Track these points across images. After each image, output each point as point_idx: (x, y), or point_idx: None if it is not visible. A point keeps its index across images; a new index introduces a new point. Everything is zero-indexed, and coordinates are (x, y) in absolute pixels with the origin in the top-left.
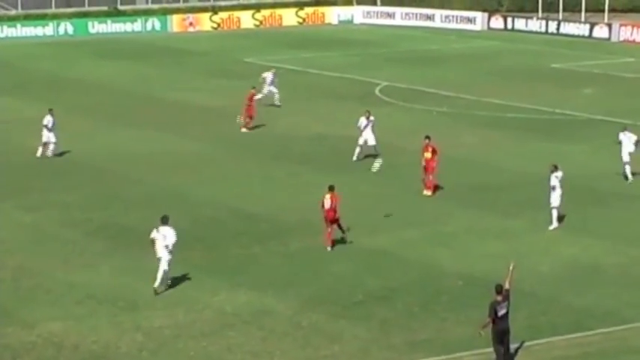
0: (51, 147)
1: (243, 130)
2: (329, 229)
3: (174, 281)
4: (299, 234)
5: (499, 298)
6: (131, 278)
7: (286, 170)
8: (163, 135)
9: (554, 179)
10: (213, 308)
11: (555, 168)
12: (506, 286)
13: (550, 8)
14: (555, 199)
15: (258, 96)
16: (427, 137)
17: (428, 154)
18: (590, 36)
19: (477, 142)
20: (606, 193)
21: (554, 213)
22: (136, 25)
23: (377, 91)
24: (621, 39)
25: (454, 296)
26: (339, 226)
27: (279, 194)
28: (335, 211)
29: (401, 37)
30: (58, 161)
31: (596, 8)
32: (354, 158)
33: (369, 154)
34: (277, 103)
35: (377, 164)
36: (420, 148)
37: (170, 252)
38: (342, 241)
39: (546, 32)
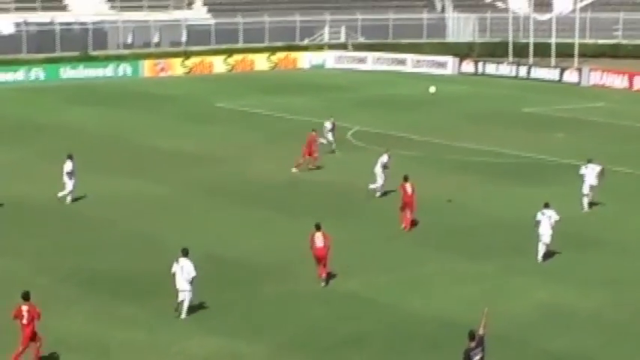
0: (69, 195)
1: (294, 169)
2: (320, 266)
3: (146, 326)
4: (272, 279)
5: (472, 344)
6: (103, 324)
7: (260, 215)
8: (135, 179)
9: (540, 215)
10: (185, 354)
11: (545, 206)
12: (481, 331)
13: (521, 53)
14: (544, 234)
15: (322, 140)
16: (405, 178)
17: (408, 191)
18: (560, 80)
19: (449, 186)
20: (579, 237)
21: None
22: (107, 71)
23: (349, 136)
24: (591, 83)
25: (428, 341)
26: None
27: (252, 239)
28: (328, 249)
29: (373, 82)
30: (29, 206)
31: (566, 53)
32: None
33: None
34: (334, 150)
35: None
36: (393, 191)
37: (190, 283)
38: (320, 283)
39: (517, 77)
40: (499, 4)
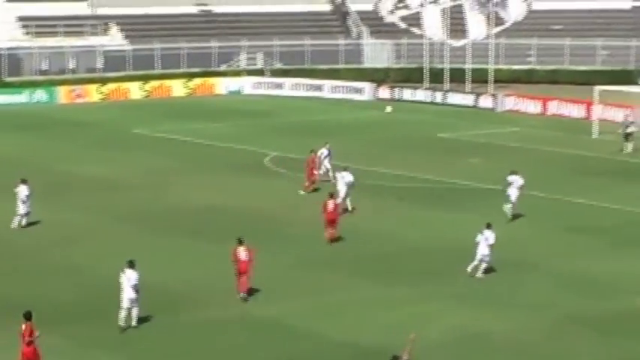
0: (24, 218)
1: (301, 192)
2: (242, 280)
3: (55, 357)
4: (189, 306)
5: None
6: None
7: (177, 242)
8: (51, 206)
9: (479, 236)
10: None
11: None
12: (405, 357)
13: (436, 79)
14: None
15: (321, 171)
16: (331, 195)
17: (331, 208)
18: (475, 106)
19: (368, 211)
20: (496, 261)
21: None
22: (22, 97)
23: (266, 162)
24: (506, 109)
25: None
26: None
27: (169, 266)
28: (251, 262)
29: (290, 108)
30: None
31: (481, 79)
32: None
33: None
34: (331, 179)
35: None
36: (310, 217)
37: (137, 292)
38: (239, 304)
39: (433, 102)
40: (414, 30)
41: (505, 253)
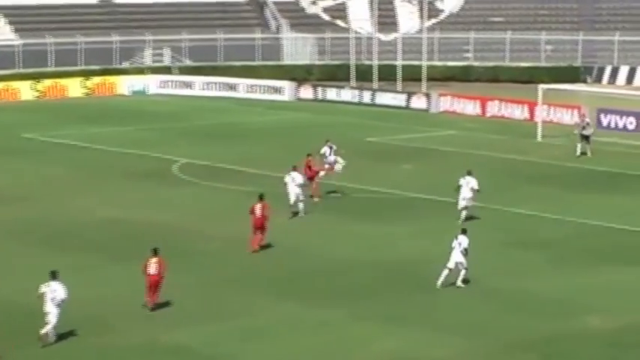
0: None
1: (316, 199)
2: (151, 293)
3: None
4: (91, 330)
5: None
6: None
7: (78, 260)
8: None
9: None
10: None
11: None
12: None
13: (364, 77)
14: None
15: (338, 167)
16: (260, 197)
17: (258, 213)
18: (407, 107)
19: (290, 225)
20: (429, 279)
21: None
22: None
23: (175, 169)
24: (440, 110)
25: None
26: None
27: (70, 287)
28: (161, 277)
29: (201, 109)
30: None
31: (413, 77)
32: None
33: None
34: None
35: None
36: (226, 230)
37: (58, 306)
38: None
39: (360, 103)
40: (339, 23)
41: (439, 268)
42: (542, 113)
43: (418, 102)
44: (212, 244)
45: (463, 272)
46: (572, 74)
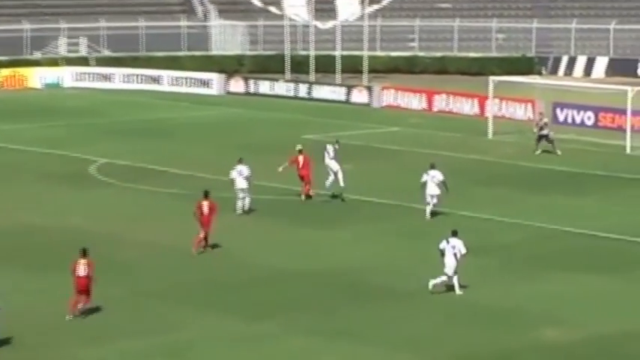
0: None
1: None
2: (83, 298)
3: None
4: (5, 347)
5: None
6: None
7: None
8: None
9: (444, 244)
10: None
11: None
12: None
13: (300, 68)
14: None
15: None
16: (205, 194)
17: (205, 209)
18: (347, 101)
19: (219, 230)
20: (373, 289)
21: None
22: None
23: (93, 170)
24: (383, 104)
25: None
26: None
27: None
28: (90, 279)
29: (122, 104)
30: None
31: (353, 68)
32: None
33: None
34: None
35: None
36: (149, 237)
37: None
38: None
39: (296, 97)
40: (273, 9)
41: (384, 278)
42: (493, 108)
43: (359, 96)
44: (134, 251)
45: (456, 277)
46: (525, 65)
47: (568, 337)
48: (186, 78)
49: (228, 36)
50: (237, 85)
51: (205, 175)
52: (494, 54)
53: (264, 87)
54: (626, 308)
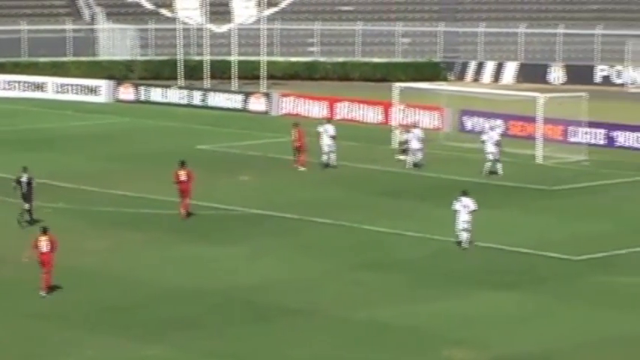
0: None
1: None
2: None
3: None
4: None
5: None
6: None
7: None
8: None
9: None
10: None
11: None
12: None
13: (194, 75)
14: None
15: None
16: (182, 163)
17: (183, 177)
18: (244, 109)
19: (106, 247)
20: (270, 307)
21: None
22: None
23: None
24: (282, 112)
25: None
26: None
27: None
28: (52, 254)
29: (2, 113)
30: None
31: (251, 74)
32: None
33: None
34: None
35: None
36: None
37: None
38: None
39: (189, 105)
40: (164, 12)
41: (283, 296)
42: (398, 116)
43: (257, 103)
44: (16, 270)
45: (467, 235)
46: (431, 71)
47: (474, 357)
48: (72, 85)
49: (116, 40)
50: (126, 92)
51: (90, 187)
52: (399, 59)
53: (156, 94)
54: (531, 327)
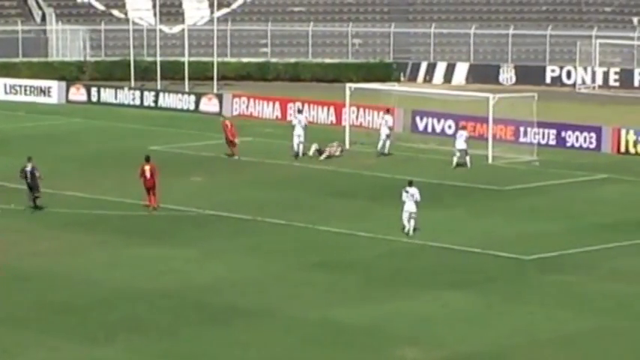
0: None
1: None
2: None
3: None
4: None
5: None
6: None
7: None
8: None
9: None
10: None
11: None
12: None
13: (146, 76)
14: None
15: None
16: (147, 158)
17: (148, 174)
18: (196, 110)
19: (58, 249)
20: (221, 309)
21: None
22: None
23: None
24: (235, 113)
25: None
26: None
27: None
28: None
29: None
30: None
31: (203, 75)
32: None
33: None
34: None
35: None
36: None
37: None
38: None
39: (142, 106)
40: (116, 13)
41: (235, 297)
42: (350, 116)
43: (209, 104)
44: None
45: (413, 222)
46: (383, 71)
47: (427, 356)
48: (22, 86)
49: (68, 41)
50: (78, 93)
51: (44, 189)
52: (350, 60)
53: (108, 95)
54: (485, 326)
